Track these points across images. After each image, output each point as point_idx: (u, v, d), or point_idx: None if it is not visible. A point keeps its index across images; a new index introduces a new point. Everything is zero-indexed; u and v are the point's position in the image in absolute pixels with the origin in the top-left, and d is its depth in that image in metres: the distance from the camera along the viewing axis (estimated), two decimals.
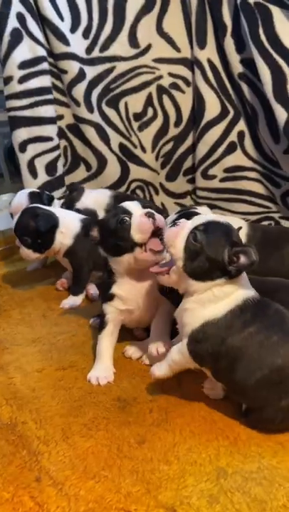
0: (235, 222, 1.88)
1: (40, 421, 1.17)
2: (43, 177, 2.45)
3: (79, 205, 2.18)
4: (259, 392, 1.05)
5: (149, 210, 1.29)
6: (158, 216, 1.28)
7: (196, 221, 1.10)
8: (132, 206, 1.32)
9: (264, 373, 1.03)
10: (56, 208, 1.96)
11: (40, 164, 2.45)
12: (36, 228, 1.78)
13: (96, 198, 2.23)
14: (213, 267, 1.06)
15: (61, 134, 2.58)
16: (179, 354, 1.14)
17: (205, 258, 1.06)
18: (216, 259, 1.05)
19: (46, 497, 0.94)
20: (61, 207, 2.17)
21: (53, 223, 1.82)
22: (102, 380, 1.32)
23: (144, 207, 1.32)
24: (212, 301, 1.08)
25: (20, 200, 2.08)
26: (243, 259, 1.04)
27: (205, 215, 1.18)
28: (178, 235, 1.09)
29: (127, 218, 1.28)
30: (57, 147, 2.49)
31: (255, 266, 1.04)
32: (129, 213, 1.29)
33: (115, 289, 1.37)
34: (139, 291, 1.37)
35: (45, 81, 2.39)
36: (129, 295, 1.37)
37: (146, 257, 1.27)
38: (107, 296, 1.39)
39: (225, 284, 1.08)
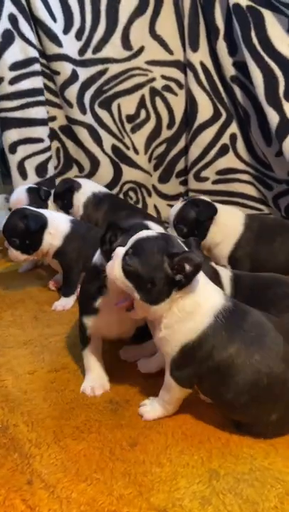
0: (234, 212, 1.95)
1: (31, 423, 1.16)
2: (33, 178, 2.45)
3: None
4: (248, 410, 1.05)
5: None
6: None
7: (127, 246, 1.06)
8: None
9: (252, 394, 1.02)
10: (43, 210, 1.95)
11: (30, 166, 2.45)
12: (25, 229, 1.77)
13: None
14: (160, 285, 1.02)
15: (54, 135, 2.57)
16: (166, 391, 1.12)
17: (146, 279, 1.02)
18: (156, 276, 1.01)
19: (38, 500, 0.93)
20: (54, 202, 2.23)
21: (41, 223, 1.81)
22: (97, 390, 1.27)
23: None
24: (181, 321, 1.04)
25: (19, 195, 2.10)
26: (187, 266, 1.00)
27: (150, 230, 1.13)
28: (114, 267, 1.05)
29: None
30: (48, 149, 2.48)
31: (201, 268, 1.01)
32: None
33: (102, 304, 1.24)
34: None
35: (36, 82, 2.39)
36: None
37: None
38: (90, 309, 1.26)
39: (182, 297, 1.04)
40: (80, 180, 2.33)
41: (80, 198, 2.26)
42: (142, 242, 1.05)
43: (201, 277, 1.08)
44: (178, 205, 1.90)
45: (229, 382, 1.03)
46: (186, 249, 1.09)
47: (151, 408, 1.16)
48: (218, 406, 1.12)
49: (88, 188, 2.30)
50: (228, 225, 1.86)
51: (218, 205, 1.88)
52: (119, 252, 1.06)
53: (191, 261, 1.00)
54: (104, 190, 2.38)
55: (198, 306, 1.05)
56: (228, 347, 1.03)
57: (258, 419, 1.06)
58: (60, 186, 2.30)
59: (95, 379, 1.30)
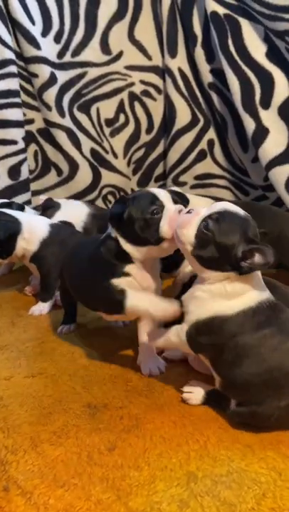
0: (204, 202, 1.96)
1: (7, 430, 1.14)
2: (5, 181, 2.42)
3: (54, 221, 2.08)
4: (261, 390, 1.06)
5: (180, 206, 1.24)
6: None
7: (212, 209, 1.08)
8: (164, 198, 1.26)
9: (273, 376, 1.04)
10: (21, 213, 1.92)
11: (3, 168, 2.42)
12: None
13: (72, 215, 2.14)
14: (223, 259, 1.05)
15: (31, 138, 2.55)
16: (175, 336, 1.14)
17: (215, 248, 1.05)
18: (226, 250, 1.04)
19: (14, 507, 0.92)
20: None
21: (13, 230, 1.78)
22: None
23: (174, 200, 1.28)
24: (223, 296, 1.07)
25: None
26: (257, 258, 1.02)
27: (224, 202, 1.15)
28: (189, 223, 1.08)
29: (159, 211, 1.23)
30: (22, 151, 2.46)
31: (267, 267, 1.03)
32: (161, 205, 1.24)
33: (129, 269, 1.29)
34: (149, 274, 1.32)
35: (12, 84, 2.37)
36: (141, 278, 1.30)
37: (170, 248, 1.24)
38: (118, 272, 1.28)
39: (236, 281, 1.07)
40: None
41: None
42: (229, 214, 1.07)
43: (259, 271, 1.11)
44: None
45: (253, 359, 1.05)
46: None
47: (155, 336, 1.20)
48: (227, 382, 1.12)
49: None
50: None
51: (189, 196, 1.89)
52: (200, 211, 1.09)
53: (265, 255, 1.02)
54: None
55: (247, 291, 1.07)
56: (265, 328, 1.05)
57: (267, 400, 1.06)
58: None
59: (160, 302, 1.24)
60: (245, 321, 1.06)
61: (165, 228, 1.22)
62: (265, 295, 1.10)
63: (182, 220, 1.11)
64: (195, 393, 1.20)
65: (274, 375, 1.04)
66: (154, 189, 1.30)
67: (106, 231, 1.36)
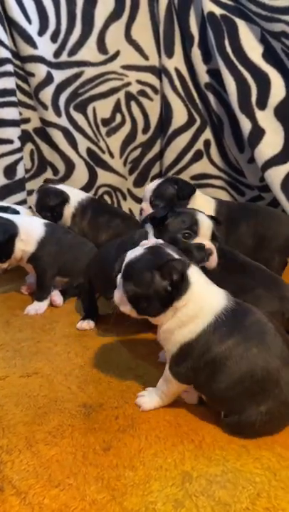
0: (207, 197, 2.00)
1: (2, 429, 1.14)
2: (0, 180, 2.41)
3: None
4: (239, 400, 1.06)
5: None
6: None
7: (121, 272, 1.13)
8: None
9: (245, 384, 1.04)
10: (16, 215, 1.91)
11: None
12: None
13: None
14: (159, 298, 1.08)
15: (27, 137, 2.55)
16: (165, 382, 1.16)
17: (143, 299, 1.08)
18: (153, 292, 1.07)
19: (9, 507, 0.91)
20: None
21: (10, 233, 1.76)
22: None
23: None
24: (183, 325, 1.08)
25: None
26: (174, 275, 1.05)
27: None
28: (117, 296, 1.13)
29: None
30: (18, 150, 2.45)
31: (184, 274, 1.06)
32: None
33: None
34: None
35: (8, 83, 2.35)
36: None
37: None
38: None
39: (183, 307, 1.08)
40: (65, 190, 2.18)
41: (68, 209, 2.15)
42: (131, 264, 1.10)
43: (202, 280, 1.12)
44: (155, 181, 1.93)
45: (224, 372, 1.05)
46: (176, 255, 1.11)
47: (149, 399, 1.19)
48: (209, 398, 1.13)
49: (74, 198, 2.17)
50: (203, 209, 1.92)
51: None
52: (118, 281, 1.12)
53: (175, 269, 1.05)
54: (86, 195, 2.26)
55: (200, 310, 1.08)
56: (227, 340, 1.05)
57: (246, 408, 1.06)
58: (52, 199, 2.12)
59: None
60: (208, 338, 1.07)
61: None
62: (221, 304, 1.10)
63: (115, 298, 1.14)
64: (190, 393, 1.21)
65: (246, 383, 1.04)
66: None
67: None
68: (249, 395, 1.05)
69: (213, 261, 1.37)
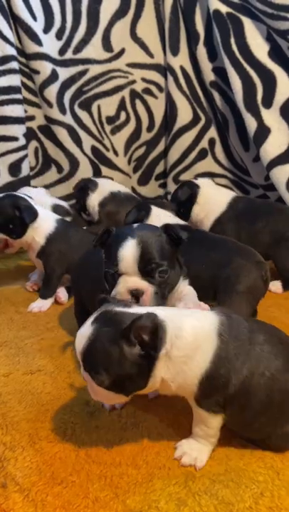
0: (220, 192, 2.08)
1: (6, 426, 1.14)
2: (5, 177, 2.41)
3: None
4: (265, 427, 1.01)
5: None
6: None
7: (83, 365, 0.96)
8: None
9: (268, 413, 0.99)
10: (38, 206, 1.93)
11: (4, 164, 2.41)
12: (15, 216, 1.78)
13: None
14: (138, 372, 0.92)
15: (32, 134, 2.55)
16: (204, 425, 1.01)
17: (127, 379, 0.93)
18: (130, 367, 0.91)
19: (12, 503, 0.92)
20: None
21: (33, 217, 1.81)
22: None
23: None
24: (188, 360, 0.94)
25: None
26: (143, 336, 0.90)
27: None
28: (93, 392, 0.98)
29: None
30: (23, 147, 2.45)
31: (157, 330, 0.91)
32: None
33: None
34: None
35: (13, 80, 2.36)
36: None
37: None
38: None
39: (172, 349, 0.94)
40: (98, 180, 2.34)
41: (95, 198, 2.27)
42: (89, 350, 0.93)
43: (181, 311, 1.05)
44: None
45: (249, 405, 0.97)
46: (131, 310, 0.96)
47: (198, 452, 1.02)
48: (238, 429, 1.06)
49: (106, 187, 2.30)
50: (211, 203, 2.03)
51: (203, 185, 2.05)
52: (84, 377, 0.97)
53: (143, 328, 0.89)
54: (127, 191, 2.37)
55: (196, 339, 0.95)
56: (242, 367, 0.95)
57: (273, 433, 1.02)
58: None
59: None
60: (224, 360, 0.94)
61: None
62: (215, 320, 0.98)
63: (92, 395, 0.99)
64: None
65: (269, 411, 0.97)
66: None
67: None
68: (274, 420, 1.00)
69: (145, 302, 1.13)
